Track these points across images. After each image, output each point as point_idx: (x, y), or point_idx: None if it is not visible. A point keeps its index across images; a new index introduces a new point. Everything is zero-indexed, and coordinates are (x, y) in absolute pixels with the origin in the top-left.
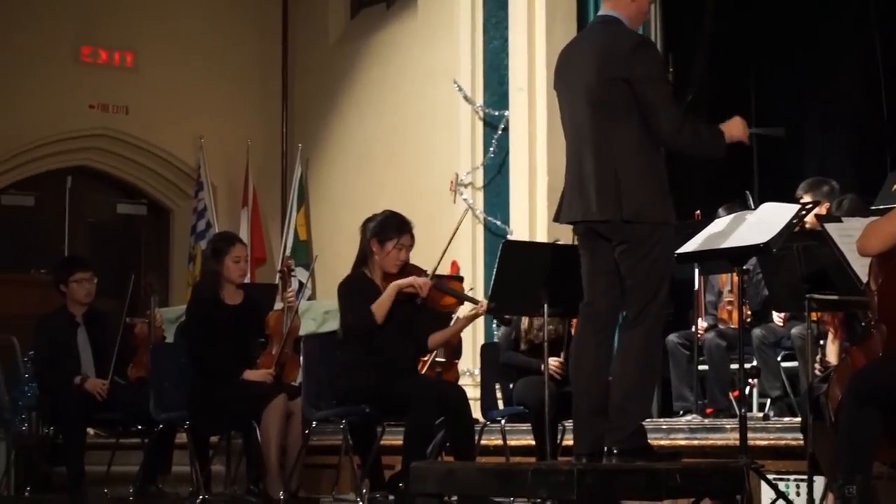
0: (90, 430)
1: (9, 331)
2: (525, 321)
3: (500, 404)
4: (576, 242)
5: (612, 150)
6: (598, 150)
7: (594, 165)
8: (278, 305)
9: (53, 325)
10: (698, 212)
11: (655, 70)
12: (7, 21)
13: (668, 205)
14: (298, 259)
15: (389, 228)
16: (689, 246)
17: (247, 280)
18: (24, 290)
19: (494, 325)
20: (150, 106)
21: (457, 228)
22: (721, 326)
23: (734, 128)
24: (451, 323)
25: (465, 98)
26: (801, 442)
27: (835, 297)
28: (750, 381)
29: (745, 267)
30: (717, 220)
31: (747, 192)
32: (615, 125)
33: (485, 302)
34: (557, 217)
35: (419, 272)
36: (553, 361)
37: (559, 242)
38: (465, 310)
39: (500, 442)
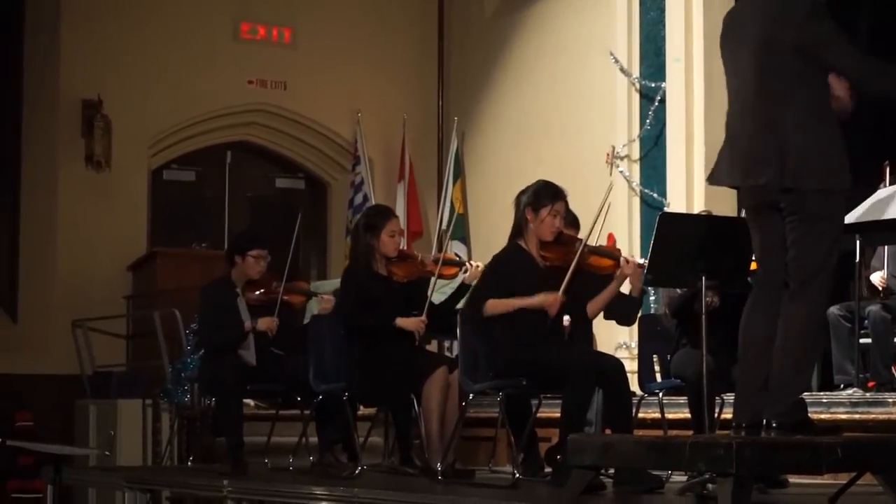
0: (251, 402)
1: (171, 304)
2: None
3: (658, 377)
4: (734, 214)
5: (779, 118)
6: (764, 117)
7: (760, 133)
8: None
9: (217, 292)
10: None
11: (832, 29)
12: None
13: (841, 172)
14: (455, 232)
15: (543, 196)
16: (851, 217)
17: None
18: (187, 265)
19: (651, 297)
20: (308, 81)
21: (605, 200)
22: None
23: None
24: None
25: (622, 70)
26: None
27: None
28: None
29: None
30: (879, 191)
31: None
32: (783, 90)
33: (630, 257)
34: (716, 180)
35: (573, 241)
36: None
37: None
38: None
39: (657, 415)
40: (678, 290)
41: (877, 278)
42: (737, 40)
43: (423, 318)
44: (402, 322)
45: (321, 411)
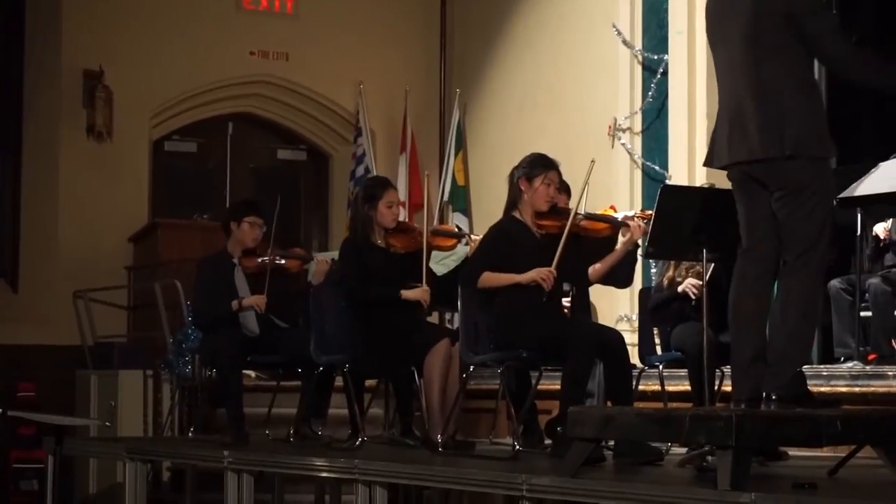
0: (252, 373)
1: (172, 275)
2: (672, 265)
3: (658, 350)
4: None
5: (771, 88)
6: (756, 89)
7: (754, 105)
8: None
9: (213, 265)
10: None
11: (818, 2)
12: None
13: (829, 142)
14: (456, 204)
15: (537, 165)
16: (852, 190)
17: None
18: (188, 236)
19: (652, 271)
20: (310, 52)
21: (589, 172)
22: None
23: None
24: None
25: (624, 42)
26: None
27: None
28: None
29: None
30: (880, 165)
31: None
32: (773, 62)
33: (634, 221)
34: (710, 162)
35: (568, 210)
36: (693, 281)
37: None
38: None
39: (657, 387)
40: (661, 291)
41: (880, 228)
42: (725, 15)
43: (426, 287)
44: (407, 294)
45: (322, 383)
